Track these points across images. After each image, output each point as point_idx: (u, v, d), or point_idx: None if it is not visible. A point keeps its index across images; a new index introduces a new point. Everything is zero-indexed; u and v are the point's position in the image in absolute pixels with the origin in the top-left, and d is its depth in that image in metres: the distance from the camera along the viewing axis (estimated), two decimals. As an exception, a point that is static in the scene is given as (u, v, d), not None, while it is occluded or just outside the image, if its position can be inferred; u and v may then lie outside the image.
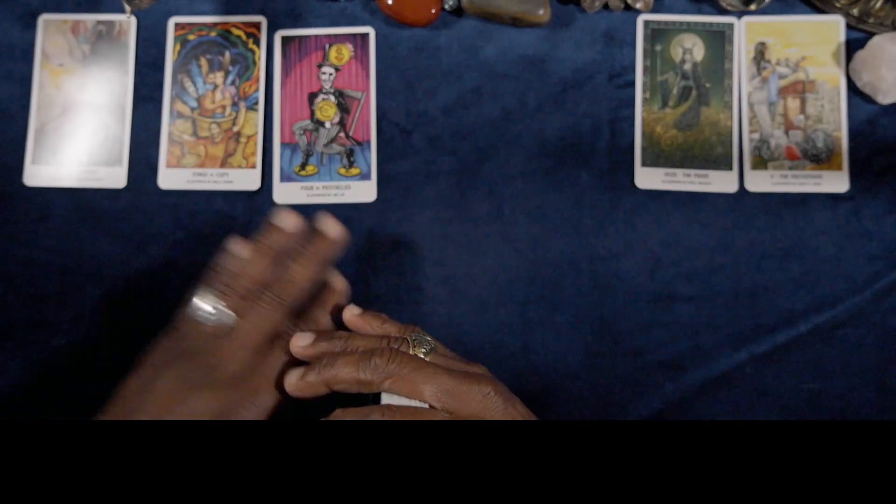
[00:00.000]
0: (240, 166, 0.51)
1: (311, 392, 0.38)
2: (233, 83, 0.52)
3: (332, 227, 0.42)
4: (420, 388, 0.36)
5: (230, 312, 0.39)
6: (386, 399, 0.37)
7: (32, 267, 0.51)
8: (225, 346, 0.38)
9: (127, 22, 0.53)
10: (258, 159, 0.52)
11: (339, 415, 0.37)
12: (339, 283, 0.45)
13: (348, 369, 0.37)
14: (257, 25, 0.53)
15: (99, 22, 0.53)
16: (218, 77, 0.52)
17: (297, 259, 0.41)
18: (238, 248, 0.41)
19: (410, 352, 0.38)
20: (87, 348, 0.50)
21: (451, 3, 0.51)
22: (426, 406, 0.36)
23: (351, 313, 0.42)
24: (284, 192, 0.51)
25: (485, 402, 0.36)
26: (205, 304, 0.39)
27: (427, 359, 0.38)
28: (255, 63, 0.52)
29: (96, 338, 0.50)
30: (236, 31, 0.53)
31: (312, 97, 0.52)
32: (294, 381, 0.37)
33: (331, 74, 0.52)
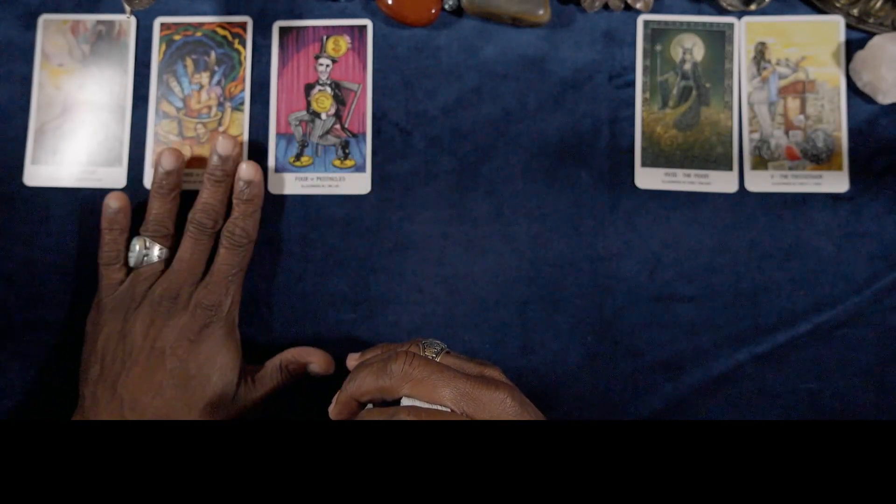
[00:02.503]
0: None
1: (347, 410, 0.40)
2: (218, 83, 0.52)
3: (220, 145, 0.48)
4: (439, 391, 0.36)
5: (159, 246, 0.47)
6: (406, 403, 0.37)
7: (32, 267, 0.51)
8: (172, 277, 0.46)
9: (127, 22, 0.53)
10: (244, 159, 0.52)
11: (367, 414, 0.37)
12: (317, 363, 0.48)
13: (369, 379, 0.38)
14: (243, 25, 0.53)
15: (99, 22, 0.53)
16: (203, 77, 0.52)
17: (203, 186, 0.48)
18: (116, 199, 0.48)
19: (424, 354, 0.39)
20: (87, 348, 0.50)
21: (451, 3, 0.51)
22: (447, 409, 0.36)
23: (353, 360, 0.45)
24: (279, 183, 0.51)
25: (501, 407, 0.36)
26: (137, 244, 0.47)
27: (438, 359, 0.39)
28: (240, 63, 0.52)
29: (96, 338, 0.50)
30: (222, 32, 0.53)
31: (309, 88, 0.52)
32: (331, 407, 0.40)
33: (328, 66, 0.52)
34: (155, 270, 0.47)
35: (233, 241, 0.47)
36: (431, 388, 0.36)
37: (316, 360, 0.47)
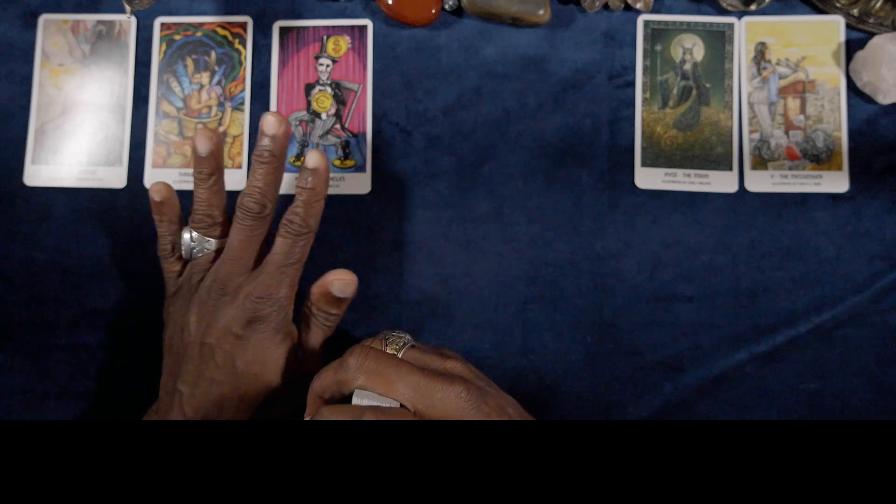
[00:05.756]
0: (226, 166, 0.51)
1: (315, 408, 0.40)
2: (219, 83, 0.52)
3: (268, 125, 0.43)
4: (393, 385, 0.37)
5: (207, 238, 0.45)
6: (357, 398, 0.37)
7: (32, 267, 0.51)
8: (220, 268, 0.43)
9: (127, 22, 0.53)
10: (244, 159, 0.52)
11: (327, 413, 0.37)
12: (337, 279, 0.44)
13: (328, 374, 0.39)
14: (243, 25, 0.53)
15: (99, 22, 0.53)
16: (204, 77, 0.52)
17: (251, 169, 0.44)
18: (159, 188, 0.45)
19: (386, 350, 0.39)
20: (88, 348, 0.50)
21: (451, 3, 0.51)
22: (397, 405, 0.36)
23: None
24: (281, 186, 0.51)
25: (457, 402, 0.36)
26: (185, 236, 0.45)
27: (400, 355, 0.39)
28: (241, 63, 0.52)
29: (96, 338, 0.50)
30: (222, 31, 0.53)
31: (309, 88, 0.52)
32: (307, 413, 0.40)
33: (328, 66, 0.52)
34: (209, 259, 0.45)
35: (290, 229, 0.43)
36: (385, 383, 0.37)
37: (334, 278, 0.44)
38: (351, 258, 0.51)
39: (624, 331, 0.50)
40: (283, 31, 0.53)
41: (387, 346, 0.40)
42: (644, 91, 0.52)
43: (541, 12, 0.51)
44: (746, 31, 0.52)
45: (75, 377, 0.50)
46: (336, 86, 0.52)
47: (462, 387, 0.36)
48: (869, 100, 0.51)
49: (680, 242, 0.50)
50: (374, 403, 0.37)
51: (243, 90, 0.52)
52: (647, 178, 0.51)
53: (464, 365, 0.40)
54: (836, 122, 0.51)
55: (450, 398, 0.36)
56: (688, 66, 0.52)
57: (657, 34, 0.52)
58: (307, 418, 0.40)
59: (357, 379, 0.37)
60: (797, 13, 0.52)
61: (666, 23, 0.52)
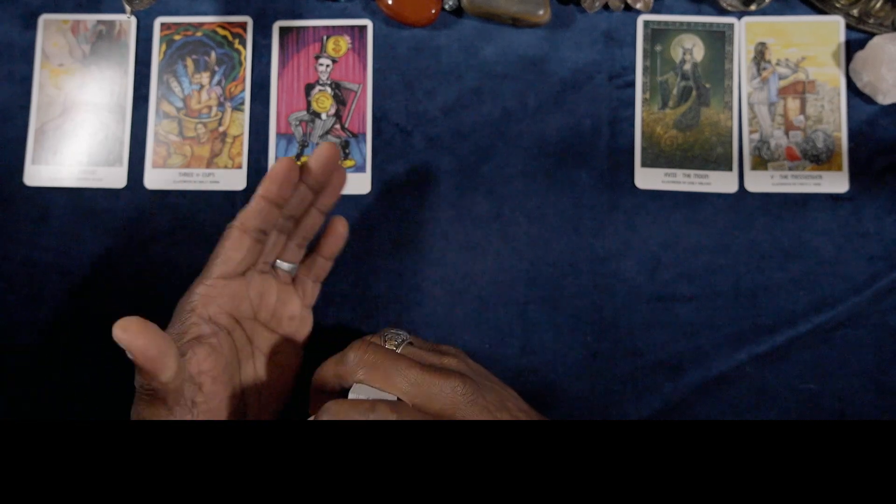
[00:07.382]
0: (226, 166, 0.51)
1: (316, 403, 0.40)
2: (219, 83, 0.52)
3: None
4: (392, 379, 0.37)
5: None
6: (354, 392, 0.37)
7: (32, 267, 0.51)
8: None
9: (127, 22, 0.53)
10: (244, 159, 0.52)
11: (335, 408, 0.37)
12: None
13: (329, 367, 0.39)
14: (243, 25, 0.53)
15: (99, 22, 0.53)
16: (204, 77, 0.52)
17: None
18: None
19: (385, 346, 0.40)
20: (87, 348, 0.50)
21: (451, 3, 0.51)
22: (395, 398, 0.36)
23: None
24: (282, 189, 0.51)
25: (453, 395, 0.37)
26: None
27: (399, 350, 0.39)
28: (241, 63, 0.52)
29: (96, 338, 0.50)
30: (222, 32, 0.53)
31: (309, 88, 0.52)
32: (311, 407, 0.41)
33: (328, 66, 0.52)
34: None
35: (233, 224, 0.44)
36: (384, 377, 0.37)
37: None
38: (351, 258, 0.51)
39: (624, 331, 0.50)
40: (283, 31, 0.53)
41: (386, 342, 0.40)
42: (644, 91, 0.52)
43: (541, 12, 0.51)
44: (746, 32, 0.52)
45: (75, 377, 0.50)
46: (336, 86, 0.52)
47: (458, 381, 0.37)
48: (869, 100, 0.51)
49: (680, 242, 0.50)
50: (372, 397, 0.37)
51: (243, 90, 0.52)
52: (647, 179, 0.51)
53: (462, 360, 0.40)
54: (836, 122, 0.51)
55: (446, 392, 0.36)
56: (688, 67, 0.52)
57: (657, 34, 0.52)
58: (311, 413, 0.40)
59: (356, 373, 0.38)
60: (797, 13, 0.52)
61: (666, 23, 0.52)
